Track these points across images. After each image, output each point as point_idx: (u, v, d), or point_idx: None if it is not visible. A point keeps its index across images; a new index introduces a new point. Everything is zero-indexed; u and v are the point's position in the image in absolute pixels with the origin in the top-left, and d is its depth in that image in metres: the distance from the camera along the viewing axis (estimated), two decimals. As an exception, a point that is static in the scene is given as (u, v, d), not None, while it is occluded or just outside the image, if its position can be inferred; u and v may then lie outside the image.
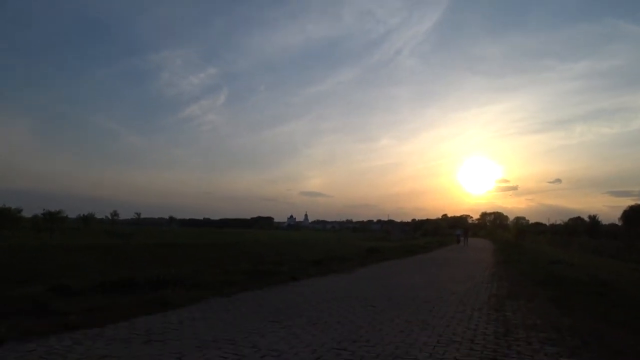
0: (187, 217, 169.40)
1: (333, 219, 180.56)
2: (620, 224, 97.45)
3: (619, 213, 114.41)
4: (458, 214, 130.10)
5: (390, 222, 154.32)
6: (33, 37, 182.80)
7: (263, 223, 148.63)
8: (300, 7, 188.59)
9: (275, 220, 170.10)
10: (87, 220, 70.64)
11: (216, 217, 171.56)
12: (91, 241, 36.32)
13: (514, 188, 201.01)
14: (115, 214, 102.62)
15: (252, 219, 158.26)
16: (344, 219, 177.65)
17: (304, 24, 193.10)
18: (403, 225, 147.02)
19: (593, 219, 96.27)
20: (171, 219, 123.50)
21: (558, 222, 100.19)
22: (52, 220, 56.11)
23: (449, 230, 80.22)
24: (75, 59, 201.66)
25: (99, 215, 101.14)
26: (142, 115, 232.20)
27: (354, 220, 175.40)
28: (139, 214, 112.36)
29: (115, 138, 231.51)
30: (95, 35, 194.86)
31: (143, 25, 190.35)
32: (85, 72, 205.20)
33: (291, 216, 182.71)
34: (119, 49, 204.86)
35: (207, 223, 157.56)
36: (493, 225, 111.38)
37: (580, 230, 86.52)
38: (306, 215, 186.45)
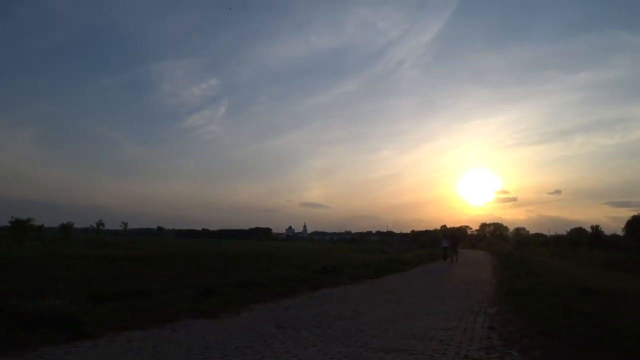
0: (186, 227, 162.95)
1: (332, 230, 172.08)
2: (623, 235, 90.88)
3: (619, 223, 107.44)
4: (457, 225, 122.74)
5: (390, 234, 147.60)
6: (35, 46, 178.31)
7: (261, 234, 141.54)
8: (304, 18, 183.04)
9: (274, 231, 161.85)
10: (65, 229, 64.51)
11: (215, 228, 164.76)
12: (34, 252, 30.41)
13: (514, 199, 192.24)
14: (100, 223, 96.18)
15: (250, 229, 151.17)
16: (343, 230, 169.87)
17: (307, 35, 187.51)
18: (402, 236, 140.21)
19: (596, 229, 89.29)
20: (159, 229, 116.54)
21: (560, 233, 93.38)
22: (21, 229, 49.94)
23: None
24: (78, 69, 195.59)
25: (84, 225, 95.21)
26: (143, 125, 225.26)
27: (353, 231, 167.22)
28: (125, 224, 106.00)
29: (116, 148, 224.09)
30: (97, 46, 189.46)
31: (145, 36, 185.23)
32: (87, 82, 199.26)
33: (290, 227, 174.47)
34: (122, 59, 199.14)
35: (205, 234, 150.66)
36: (493, 236, 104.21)
37: (583, 242, 79.94)
38: (305, 227, 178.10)
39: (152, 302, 7.55)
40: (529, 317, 6.88)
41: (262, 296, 9.14)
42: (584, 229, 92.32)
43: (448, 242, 27.68)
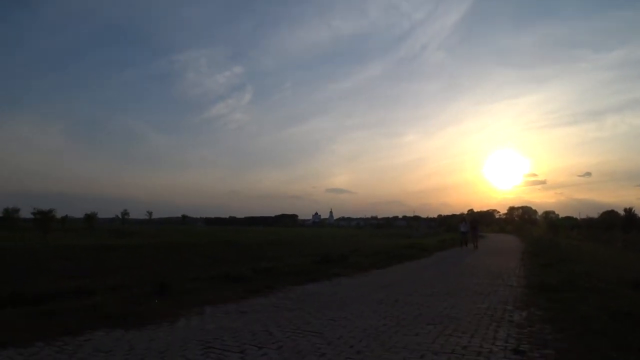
0: (214, 215, 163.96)
1: (358, 216, 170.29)
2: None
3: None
4: (485, 209, 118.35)
5: (416, 218, 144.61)
6: (63, 43, 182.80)
7: (287, 220, 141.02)
8: (326, 3, 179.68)
9: (301, 217, 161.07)
10: (89, 219, 65.32)
11: (242, 215, 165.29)
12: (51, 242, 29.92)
13: (543, 182, 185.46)
14: (125, 212, 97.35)
15: (276, 216, 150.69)
16: (369, 216, 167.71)
17: (330, 19, 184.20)
18: (429, 220, 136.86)
19: (629, 212, 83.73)
20: (184, 217, 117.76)
21: (591, 216, 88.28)
22: (44, 220, 50.14)
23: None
24: (103, 63, 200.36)
25: (111, 215, 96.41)
26: (169, 115, 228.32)
27: (379, 216, 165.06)
28: (150, 213, 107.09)
29: (143, 139, 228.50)
30: (121, 40, 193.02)
31: (168, 27, 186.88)
32: (112, 75, 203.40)
33: (316, 213, 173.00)
34: (146, 51, 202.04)
35: (232, 221, 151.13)
36: (521, 220, 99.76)
37: (616, 225, 75.08)
38: (331, 212, 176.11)
39: (76, 305, 5.85)
40: (573, 329, 4.75)
41: (231, 293, 7.33)
42: (617, 212, 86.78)
43: (467, 226, 24.15)
